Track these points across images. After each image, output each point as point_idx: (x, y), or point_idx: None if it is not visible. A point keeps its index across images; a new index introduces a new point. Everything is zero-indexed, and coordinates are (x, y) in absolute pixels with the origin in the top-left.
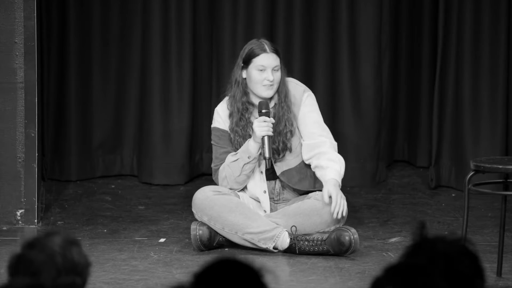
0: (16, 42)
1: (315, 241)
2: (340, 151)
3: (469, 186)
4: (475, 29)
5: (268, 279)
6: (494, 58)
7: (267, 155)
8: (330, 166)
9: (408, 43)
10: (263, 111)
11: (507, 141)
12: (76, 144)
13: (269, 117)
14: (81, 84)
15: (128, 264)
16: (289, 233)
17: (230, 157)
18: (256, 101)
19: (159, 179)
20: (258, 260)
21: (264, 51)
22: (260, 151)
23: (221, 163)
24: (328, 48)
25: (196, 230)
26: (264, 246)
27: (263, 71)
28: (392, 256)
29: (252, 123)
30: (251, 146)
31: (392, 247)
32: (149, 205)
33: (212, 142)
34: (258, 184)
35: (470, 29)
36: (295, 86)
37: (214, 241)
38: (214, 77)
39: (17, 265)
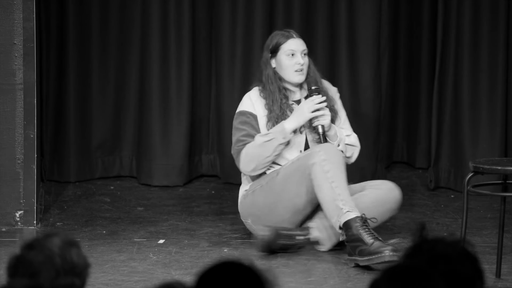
0: (15, 43)
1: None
2: None
3: (468, 187)
4: (474, 30)
5: (268, 280)
6: (493, 60)
7: (320, 130)
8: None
9: (407, 44)
10: (313, 87)
11: (506, 142)
12: (75, 145)
13: (319, 93)
14: (80, 85)
15: (127, 265)
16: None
17: (260, 138)
18: (288, 88)
19: (158, 181)
20: (258, 262)
21: (291, 37)
22: (293, 133)
23: (243, 146)
24: (327, 49)
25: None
26: (342, 206)
27: (293, 55)
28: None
29: (290, 106)
30: (288, 127)
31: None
32: (148, 206)
33: (235, 125)
34: None
35: (469, 30)
36: (329, 84)
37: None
38: (213, 78)
39: (16, 266)
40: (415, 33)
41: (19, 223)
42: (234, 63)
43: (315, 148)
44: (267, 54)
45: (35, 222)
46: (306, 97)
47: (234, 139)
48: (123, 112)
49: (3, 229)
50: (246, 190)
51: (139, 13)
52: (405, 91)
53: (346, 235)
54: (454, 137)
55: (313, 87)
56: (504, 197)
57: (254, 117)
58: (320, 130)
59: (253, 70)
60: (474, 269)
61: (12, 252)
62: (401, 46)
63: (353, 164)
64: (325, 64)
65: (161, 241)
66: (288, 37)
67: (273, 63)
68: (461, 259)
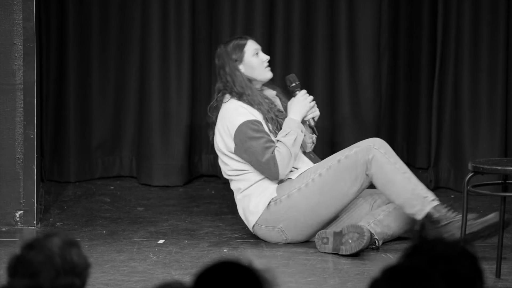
0: (15, 43)
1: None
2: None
3: (468, 187)
4: (474, 30)
5: (267, 280)
6: (493, 60)
7: (316, 133)
8: None
9: (407, 44)
10: (295, 83)
11: (506, 142)
12: (75, 145)
13: (300, 88)
14: (80, 85)
15: (127, 265)
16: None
17: (284, 139)
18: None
19: (158, 181)
20: (258, 262)
21: (248, 38)
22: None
23: (274, 151)
24: (327, 49)
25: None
26: (425, 195)
27: (257, 54)
28: (391, 258)
29: (274, 104)
30: (298, 119)
31: (391, 248)
32: (148, 206)
33: (250, 136)
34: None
35: (469, 30)
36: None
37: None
38: (213, 78)
39: (16, 266)
40: (415, 33)
41: (19, 223)
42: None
43: (362, 143)
44: (232, 63)
45: (35, 222)
46: (290, 89)
47: (257, 149)
48: (123, 112)
49: (3, 229)
50: (274, 198)
51: (139, 13)
52: (405, 91)
53: (434, 221)
54: (454, 137)
55: (295, 83)
56: (504, 197)
57: (260, 123)
58: (312, 123)
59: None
60: (474, 269)
61: (12, 252)
62: (401, 46)
63: None
64: (325, 64)
65: (161, 241)
66: (246, 39)
67: (241, 68)
68: (461, 259)
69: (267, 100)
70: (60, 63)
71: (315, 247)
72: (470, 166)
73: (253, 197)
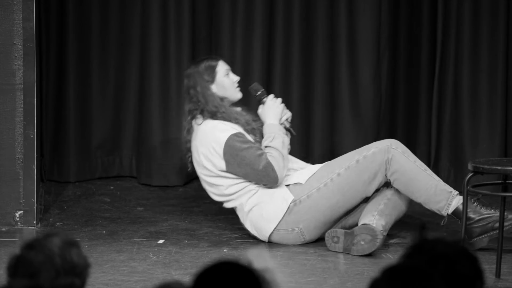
0: (15, 43)
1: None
2: (339, 151)
3: (468, 187)
4: (474, 30)
5: (266, 280)
6: (492, 60)
7: (294, 133)
8: None
9: (407, 44)
10: (260, 91)
11: (505, 142)
12: (75, 145)
13: (266, 94)
14: (80, 85)
15: (127, 265)
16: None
17: (272, 143)
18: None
19: (158, 181)
20: (257, 262)
21: (218, 59)
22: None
23: (267, 157)
24: (327, 49)
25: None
26: (449, 189)
27: (228, 75)
28: (391, 258)
29: (248, 116)
30: (276, 125)
31: (391, 248)
32: (148, 206)
33: (240, 147)
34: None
35: (468, 30)
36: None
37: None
38: None
39: (16, 266)
40: (415, 33)
41: (19, 223)
42: (234, 63)
43: (379, 143)
44: (204, 82)
45: (35, 222)
46: (257, 98)
47: (250, 159)
48: (123, 112)
49: (3, 229)
50: (293, 200)
51: (139, 13)
52: (405, 91)
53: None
54: (454, 137)
55: (261, 90)
56: (504, 197)
57: (244, 134)
58: (287, 124)
59: (253, 70)
60: (474, 269)
61: (12, 252)
62: (401, 46)
63: None
64: (325, 64)
65: (161, 241)
66: (217, 60)
67: (214, 88)
68: (461, 259)
69: (241, 113)
70: (60, 63)
71: (315, 247)
72: (470, 166)
73: (265, 204)
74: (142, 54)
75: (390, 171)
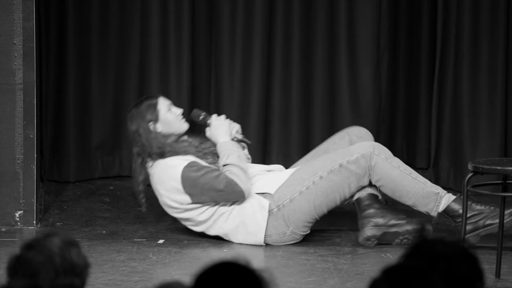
0: (14, 43)
1: None
2: None
3: (468, 187)
4: (474, 29)
5: (266, 280)
6: (492, 59)
7: (248, 141)
8: None
9: (406, 43)
10: (202, 115)
11: (505, 142)
12: (75, 145)
13: (209, 116)
14: (80, 85)
15: (127, 265)
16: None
17: (228, 161)
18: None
19: None
20: (257, 262)
21: (157, 96)
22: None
23: (226, 174)
24: (327, 49)
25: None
26: (437, 191)
27: (171, 109)
28: (391, 258)
29: (195, 141)
30: (228, 142)
31: (391, 248)
32: (148, 206)
33: (199, 175)
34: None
35: (468, 30)
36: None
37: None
38: (213, 78)
39: (16, 266)
40: (415, 33)
41: (18, 223)
42: (234, 63)
43: (361, 147)
44: (145, 125)
45: (34, 222)
46: (202, 122)
47: (210, 183)
48: (122, 112)
49: (3, 229)
50: (276, 205)
51: (139, 13)
52: (405, 91)
53: (454, 216)
54: (453, 137)
55: (202, 114)
56: (504, 197)
57: (196, 162)
58: (239, 136)
59: (253, 70)
60: (474, 269)
61: (12, 252)
62: (401, 46)
63: None
64: (325, 64)
65: (161, 241)
66: (156, 97)
67: (159, 126)
68: (461, 259)
69: (189, 141)
70: (60, 63)
71: (315, 247)
72: (470, 166)
73: (245, 221)
74: (142, 54)
75: (375, 178)
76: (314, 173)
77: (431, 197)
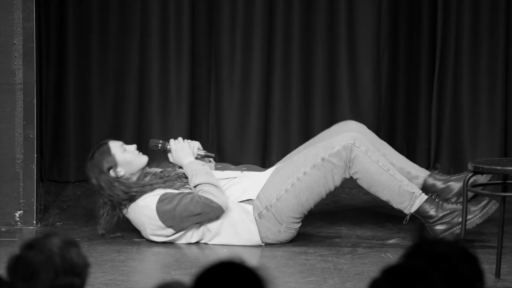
0: (14, 43)
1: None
2: None
3: (468, 187)
4: (474, 29)
5: (265, 280)
6: (492, 59)
7: (212, 154)
8: None
9: (406, 43)
10: (160, 143)
11: (505, 142)
12: (75, 145)
13: (167, 143)
14: (80, 85)
15: (127, 265)
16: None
17: (197, 181)
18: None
19: None
20: (257, 262)
21: (108, 141)
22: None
23: (198, 195)
24: (327, 49)
25: None
26: (412, 190)
27: (125, 149)
28: (391, 258)
29: (168, 166)
30: (192, 162)
31: (391, 248)
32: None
33: (171, 208)
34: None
35: (468, 30)
36: None
37: None
38: (213, 77)
39: (15, 266)
40: (415, 33)
41: (18, 223)
42: (233, 63)
43: (342, 139)
44: (105, 176)
45: (34, 222)
46: (161, 150)
47: (187, 208)
48: (122, 112)
49: (3, 229)
50: (266, 207)
51: (139, 13)
52: (405, 91)
53: (426, 216)
54: (453, 137)
55: (160, 142)
56: (504, 197)
57: (166, 193)
58: (202, 152)
59: (253, 70)
60: (474, 269)
61: (11, 252)
62: (401, 46)
63: None
64: (325, 64)
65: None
66: (106, 143)
67: (120, 170)
68: (461, 259)
69: (154, 174)
70: (60, 63)
71: (315, 247)
72: (470, 166)
73: (239, 229)
74: (142, 54)
75: (353, 170)
76: (298, 169)
77: (406, 195)
